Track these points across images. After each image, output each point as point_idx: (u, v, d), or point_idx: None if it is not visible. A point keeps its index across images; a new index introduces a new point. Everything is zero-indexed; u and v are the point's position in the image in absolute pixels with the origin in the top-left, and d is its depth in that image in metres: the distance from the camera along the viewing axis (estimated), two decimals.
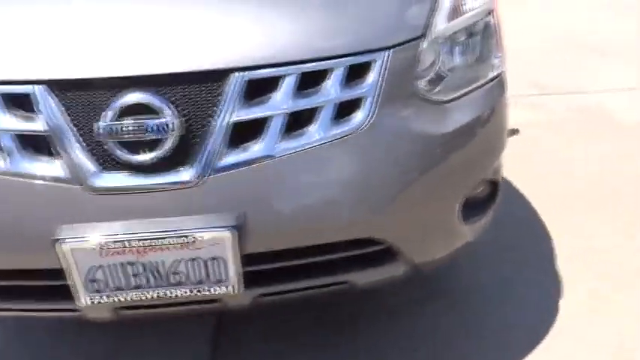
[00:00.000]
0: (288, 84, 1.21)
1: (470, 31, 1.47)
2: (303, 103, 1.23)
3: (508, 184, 2.67)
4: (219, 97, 1.18)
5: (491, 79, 1.49)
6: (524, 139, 3.07)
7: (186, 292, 1.26)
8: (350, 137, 1.24)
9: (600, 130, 3.18)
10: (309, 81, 1.23)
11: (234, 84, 1.18)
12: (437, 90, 1.40)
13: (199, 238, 1.19)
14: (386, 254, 1.36)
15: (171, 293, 1.26)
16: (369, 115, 1.26)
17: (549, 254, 2.17)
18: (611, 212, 2.40)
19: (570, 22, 4.93)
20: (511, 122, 3.26)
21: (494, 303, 1.96)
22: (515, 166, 2.78)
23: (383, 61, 1.27)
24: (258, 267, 1.27)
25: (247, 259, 1.25)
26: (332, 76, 1.24)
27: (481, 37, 1.49)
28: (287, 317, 1.91)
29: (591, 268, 2.09)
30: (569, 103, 3.53)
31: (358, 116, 1.25)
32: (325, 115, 1.24)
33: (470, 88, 1.45)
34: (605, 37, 4.51)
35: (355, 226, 1.28)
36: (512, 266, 2.11)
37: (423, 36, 1.34)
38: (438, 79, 1.41)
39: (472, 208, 1.50)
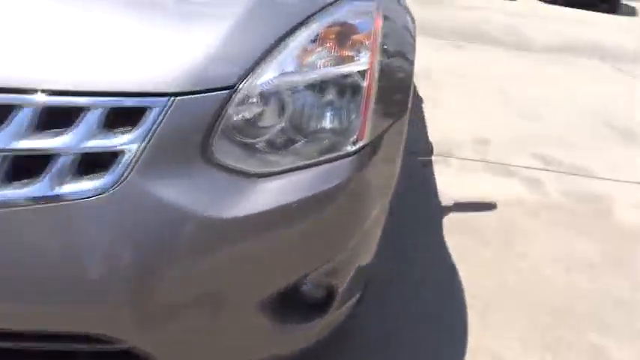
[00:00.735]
0: (18, 119, 0.92)
1: (327, 90, 1.15)
2: (34, 147, 0.93)
3: (451, 266, 2.29)
4: None
5: (346, 155, 1.16)
6: (498, 218, 2.69)
7: None
8: (85, 202, 0.94)
9: (592, 227, 2.73)
10: (52, 119, 0.94)
11: None
12: (276, 157, 1.10)
13: None
14: (130, 357, 1.04)
15: None
16: (121, 177, 0.95)
17: None
18: (541, 337, 1.98)
19: (605, 98, 4.47)
20: (496, 192, 2.93)
21: None
22: (472, 246, 2.41)
23: (161, 110, 0.97)
24: None
25: None
26: (84, 117, 0.94)
27: (344, 100, 1.17)
28: None
29: None
30: (569, 186, 3.10)
31: (106, 176, 0.95)
32: (62, 167, 0.94)
33: (310, 161, 1.12)
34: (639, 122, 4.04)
35: (63, 316, 0.97)
36: None
37: (233, 87, 1.03)
38: (283, 143, 1.11)
39: (290, 313, 1.16)
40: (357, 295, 1.38)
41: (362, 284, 1.38)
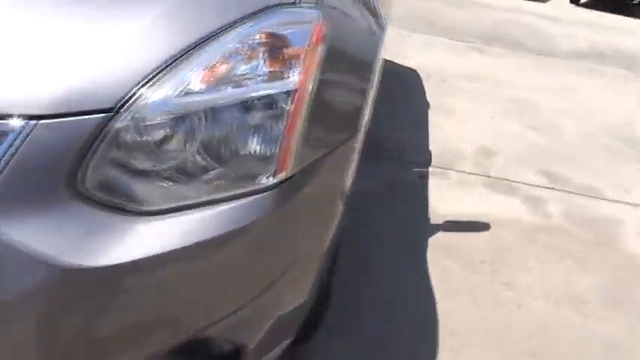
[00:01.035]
0: None
1: (246, 112, 0.99)
2: None
3: (431, 296, 2.11)
4: None
5: (263, 189, 0.99)
6: (490, 240, 2.49)
7: None
8: None
9: (592, 256, 2.51)
10: None
11: None
12: (180, 189, 0.94)
13: None
14: None
15: None
16: None
17: None
18: None
19: (628, 114, 4.21)
20: (493, 210, 2.73)
21: None
22: (457, 271, 2.22)
23: (18, 136, 0.81)
24: None
25: None
26: None
27: (264, 125, 1.00)
28: None
29: None
30: (574, 208, 2.88)
31: None
32: None
33: (217, 196, 0.96)
34: None
35: None
36: None
37: (114, 109, 0.87)
38: (189, 173, 0.95)
39: None
40: (288, 340, 1.22)
41: (293, 329, 1.22)
